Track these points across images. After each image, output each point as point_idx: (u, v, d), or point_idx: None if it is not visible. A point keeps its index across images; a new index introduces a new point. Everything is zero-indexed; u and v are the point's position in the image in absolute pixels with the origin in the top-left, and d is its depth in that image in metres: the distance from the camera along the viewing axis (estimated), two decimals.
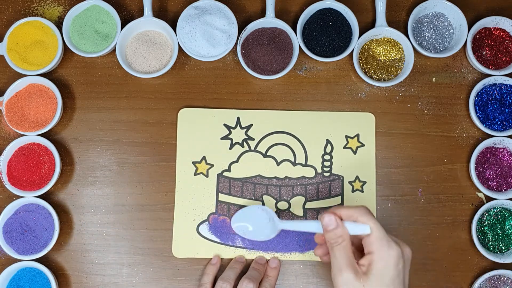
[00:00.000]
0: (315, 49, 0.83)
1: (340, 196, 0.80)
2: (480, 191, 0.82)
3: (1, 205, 0.80)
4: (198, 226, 0.80)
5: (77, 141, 0.83)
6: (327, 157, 0.79)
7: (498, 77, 0.82)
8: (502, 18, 0.83)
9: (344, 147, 0.80)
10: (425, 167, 0.83)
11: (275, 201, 0.79)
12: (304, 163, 0.80)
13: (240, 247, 0.80)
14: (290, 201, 0.79)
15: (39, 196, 0.79)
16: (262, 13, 0.85)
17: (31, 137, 0.80)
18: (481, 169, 0.81)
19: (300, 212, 0.79)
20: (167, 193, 0.82)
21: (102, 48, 0.82)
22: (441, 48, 0.84)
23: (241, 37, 0.82)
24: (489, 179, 0.81)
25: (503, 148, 0.81)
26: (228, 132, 0.81)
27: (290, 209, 0.79)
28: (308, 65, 0.85)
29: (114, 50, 0.83)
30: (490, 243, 0.80)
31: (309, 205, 0.79)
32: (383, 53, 0.83)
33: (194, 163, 0.81)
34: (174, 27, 0.83)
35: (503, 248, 0.80)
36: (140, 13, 0.84)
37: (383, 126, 0.83)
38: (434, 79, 0.85)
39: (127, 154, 0.83)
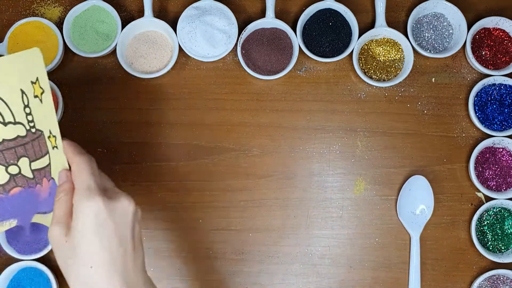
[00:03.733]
0: (315, 49, 0.83)
1: (48, 155, 0.65)
2: (479, 191, 0.82)
3: None
4: None
5: (78, 141, 0.83)
6: (27, 110, 0.62)
7: (497, 77, 0.82)
8: (502, 18, 0.83)
9: (35, 96, 0.62)
10: (424, 167, 0.83)
11: (4, 167, 0.64)
12: (14, 121, 0.62)
13: None
14: (18, 164, 0.65)
15: None
16: (262, 14, 0.86)
17: None
18: (480, 169, 0.81)
19: (30, 174, 0.65)
20: (167, 193, 0.82)
21: (103, 49, 0.82)
22: (440, 48, 0.84)
23: (241, 38, 0.82)
24: (488, 179, 0.81)
25: (502, 148, 0.82)
26: None
27: (22, 173, 0.65)
28: (308, 65, 0.85)
29: (114, 50, 0.83)
30: (489, 243, 0.80)
31: (35, 165, 0.65)
32: (383, 53, 0.83)
33: None
34: (174, 28, 0.83)
35: (503, 248, 0.80)
36: (141, 14, 0.84)
37: (383, 126, 0.84)
38: (433, 79, 0.85)
39: (127, 154, 0.83)
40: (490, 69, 0.83)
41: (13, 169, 0.64)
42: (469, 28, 0.83)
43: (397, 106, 0.84)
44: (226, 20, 0.83)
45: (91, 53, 0.82)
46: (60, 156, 0.62)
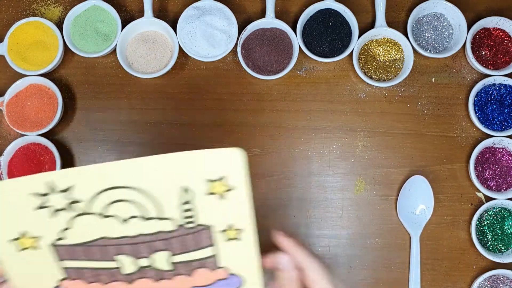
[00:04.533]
0: (315, 49, 0.83)
1: (211, 247, 0.64)
2: (479, 191, 0.82)
3: None
4: None
5: (78, 141, 0.84)
6: (187, 206, 0.62)
7: (497, 77, 0.82)
8: (502, 19, 0.83)
9: (208, 193, 0.61)
10: (424, 167, 0.83)
11: (133, 258, 0.64)
12: (158, 217, 0.62)
13: None
14: (152, 257, 0.64)
15: None
16: (262, 14, 0.86)
17: (32, 137, 0.80)
18: (480, 169, 0.81)
19: (167, 266, 0.64)
20: None
21: (103, 49, 0.82)
22: (440, 48, 0.84)
23: (241, 38, 0.82)
24: (488, 179, 0.81)
25: (502, 148, 0.82)
26: (41, 201, 0.59)
27: (154, 265, 0.64)
28: (308, 65, 0.85)
29: (114, 50, 0.83)
30: (489, 243, 0.80)
31: (179, 258, 0.64)
32: (383, 53, 0.83)
33: (12, 240, 0.60)
34: (174, 28, 0.83)
35: (503, 248, 0.80)
36: (141, 14, 0.84)
37: (383, 126, 0.84)
38: (433, 79, 0.85)
39: (127, 154, 0.83)
40: (490, 69, 0.83)
41: (143, 262, 0.64)
42: (469, 28, 0.83)
43: (397, 106, 0.84)
44: (226, 20, 0.83)
45: (91, 53, 0.82)
46: (242, 248, 0.62)
